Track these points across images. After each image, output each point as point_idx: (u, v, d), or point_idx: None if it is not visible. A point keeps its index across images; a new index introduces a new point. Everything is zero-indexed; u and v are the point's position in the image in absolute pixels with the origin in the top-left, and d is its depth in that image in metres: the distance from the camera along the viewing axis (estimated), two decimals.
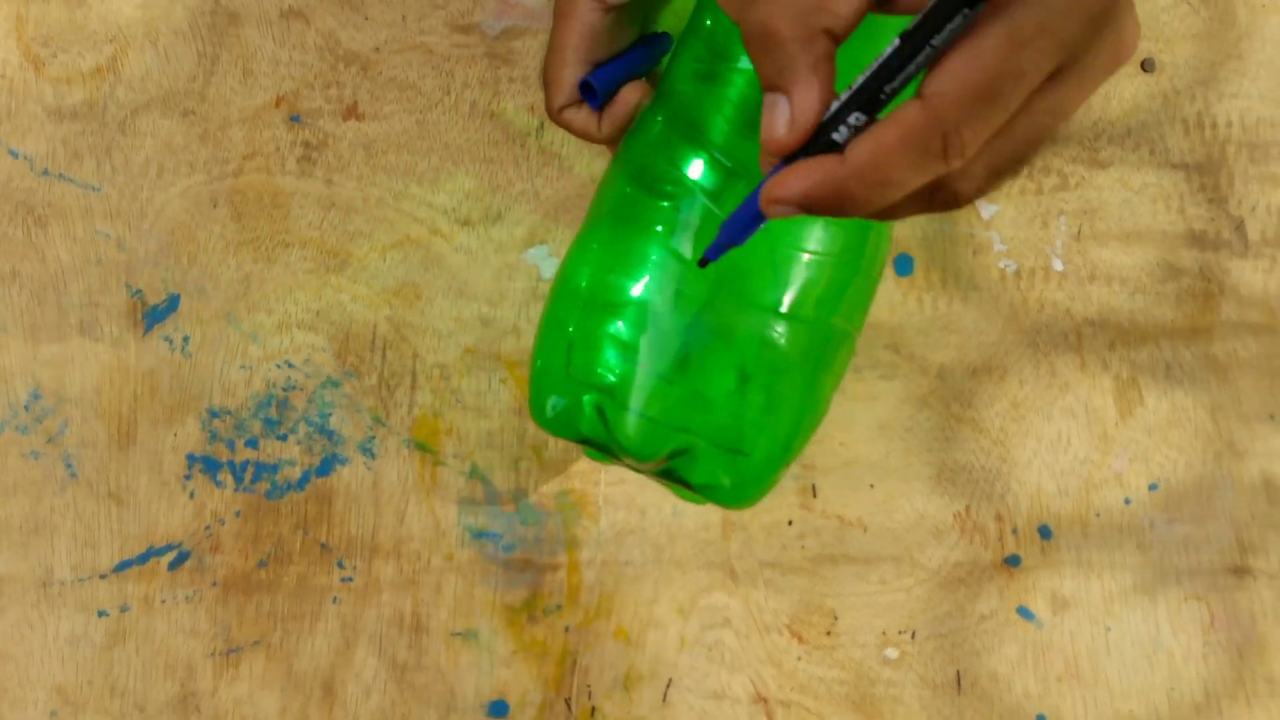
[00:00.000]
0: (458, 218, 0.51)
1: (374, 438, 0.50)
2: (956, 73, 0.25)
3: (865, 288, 0.44)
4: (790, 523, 0.51)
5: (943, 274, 0.51)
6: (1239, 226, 0.53)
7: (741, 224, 0.29)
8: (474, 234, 0.51)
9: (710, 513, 0.51)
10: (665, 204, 0.41)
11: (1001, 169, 0.28)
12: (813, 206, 0.27)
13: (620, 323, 0.40)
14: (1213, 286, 0.52)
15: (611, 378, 0.40)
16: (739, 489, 0.43)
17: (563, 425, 0.42)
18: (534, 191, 0.51)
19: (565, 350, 0.41)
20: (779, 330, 0.41)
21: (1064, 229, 0.53)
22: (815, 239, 0.43)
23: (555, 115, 0.45)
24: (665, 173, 0.41)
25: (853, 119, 0.27)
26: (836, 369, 0.44)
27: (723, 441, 0.41)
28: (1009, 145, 0.27)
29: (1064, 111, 0.27)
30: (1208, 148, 0.53)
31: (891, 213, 0.29)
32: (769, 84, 0.27)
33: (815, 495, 0.51)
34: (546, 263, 0.51)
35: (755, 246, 0.40)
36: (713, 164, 0.40)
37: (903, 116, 0.26)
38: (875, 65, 0.26)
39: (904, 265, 0.51)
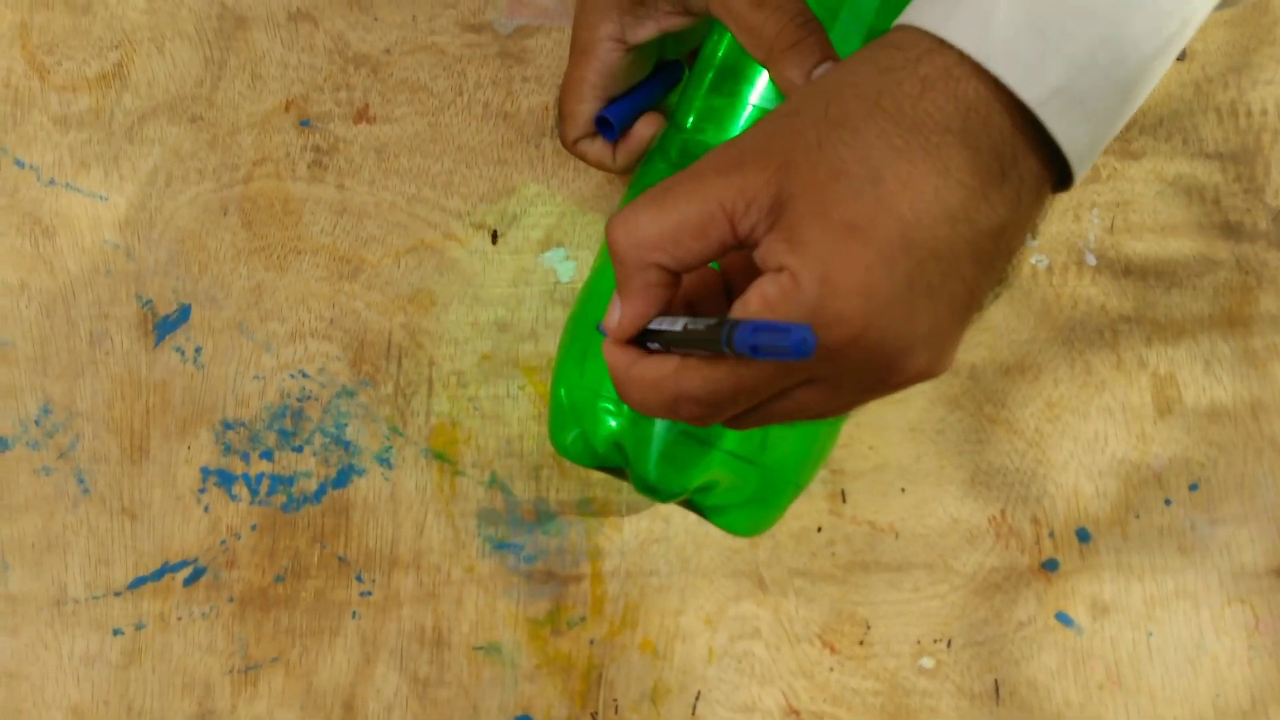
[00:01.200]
0: (472, 222, 0.51)
1: (391, 448, 0.50)
2: (701, 373, 0.29)
3: None
4: (820, 529, 0.50)
5: None
6: (1276, 217, 0.51)
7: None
8: (489, 238, 0.51)
9: None
10: None
11: (756, 425, 0.31)
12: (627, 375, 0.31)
13: None
14: (1250, 279, 0.51)
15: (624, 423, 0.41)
16: (753, 511, 0.43)
17: (581, 453, 0.43)
18: (550, 194, 0.51)
19: (582, 370, 0.42)
20: None
21: (1096, 222, 0.52)
22: None
23: (570, 146, 0.46)
24: None
25: (656, 345, 0.30)
26: None
27: (743, 452, 0.42)
28: (756, 418, 0.31)
29: (815, 411, 0.30)
30: (1242, 136, 0.52)
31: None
32: (617, 285, 0.30)
33: (845, 501, 0.50)
34: (564, 265, 0.51)
35: None
36: None
37: (658, 373, 0.30)
38: (678, 328, 0.29)
39: None
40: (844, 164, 0.28)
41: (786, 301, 0.28)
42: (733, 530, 0.44)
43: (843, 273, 0.27)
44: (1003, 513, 0.50)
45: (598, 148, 0.46)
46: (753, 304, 0.28)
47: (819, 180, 0.28)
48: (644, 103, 0.46)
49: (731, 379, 0.29)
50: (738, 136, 0.31)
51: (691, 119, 0.44)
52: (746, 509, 0.43)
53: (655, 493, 0.42)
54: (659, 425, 0.41)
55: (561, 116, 0.46)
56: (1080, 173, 0.30)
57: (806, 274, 0.27)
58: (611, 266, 0.43)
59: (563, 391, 0.43)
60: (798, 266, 0.28)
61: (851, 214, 0.27)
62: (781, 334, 0.25)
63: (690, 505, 0.44)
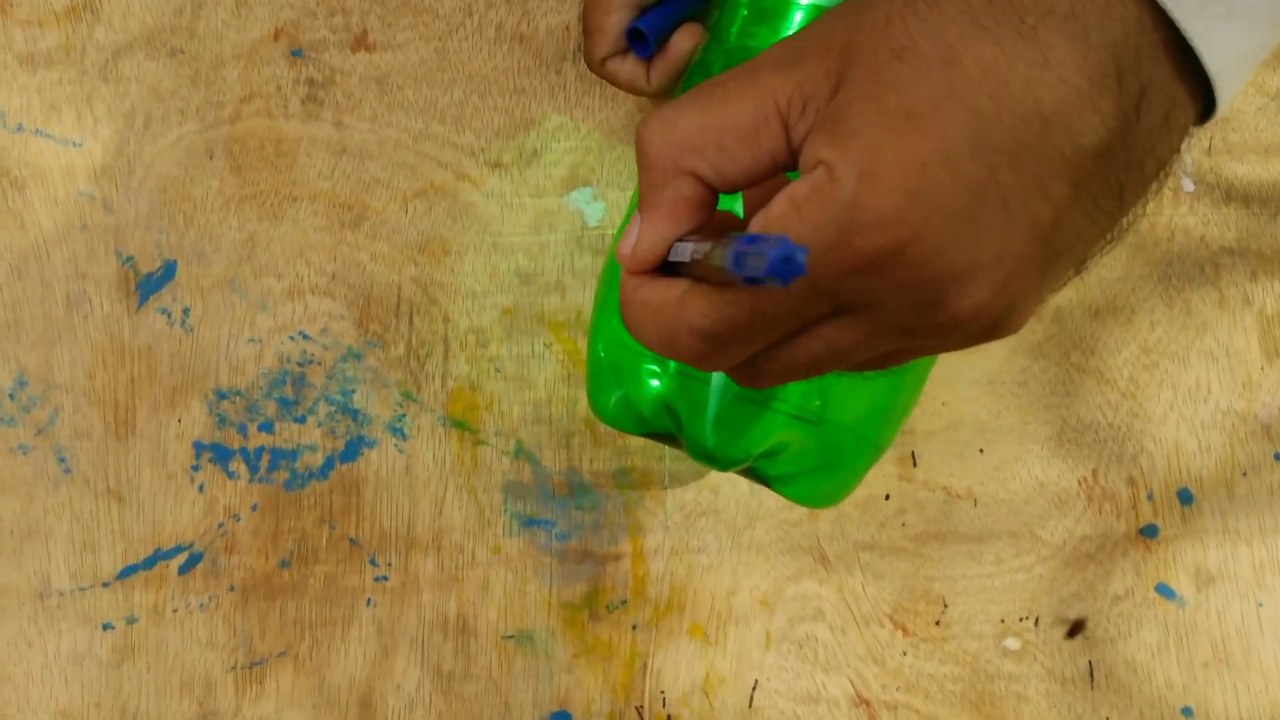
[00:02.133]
0: (487, 159, 0.49)
1: (404, 416, 0.48)
2: (708, 299, 0.26)
3: None
4: (888, 497, 0.48)
5: None
6: None
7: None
8: (507, 177, 0.49)
9: None
10: None
11: (775, 378, 0.28)
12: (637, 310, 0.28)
13: None
14: None
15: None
16: (824, 478, 0.41)
17: (625, 418, 0.41)
18: (574, 125, 0.49)
19: (622, 325, 0.39)
20: None
21: (1193, 143, 0.49)
22: None
23: (597, 67, 0.44)
24: None
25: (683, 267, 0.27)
26: None
27: (804, 414, 0.39)
28: (778, 365, 0.27)
29: (849, 356, 0.27)
30: None
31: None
32: (639, 199, 0.27)
33: (915, 464, 0.48)
34: (592, 207, 0.49)
35: None
36: None
37: (662, 297, 0.27)
38: (702, 253, 0.26)
39: None
40: (912, 40, 0.24)
41: (816, 200, 0.24)
42: (803, 501, 0.41)
43: (891, 167, 0.23)
44: (1094, 473, 0.48)
45: (629, 67, 0.44)
46: (775, 209, 0.24)
47: (879, 60, 0.24)
48: (682, 11, 0.43)
49: (741, 308, 0.25)
50: (801, 29, 0.27)
51: (736, 27, 0.41)
52: (817, 475, 0.40)
53: (714, 460, 0.39)
54: (714, 384, 0.39)
55: (587, 32, 0.44)
56: (1226, 95, 0.25)
57: (845, 166, 0.23)
58: None
59: (601, 349, 0.41)
60: (835, 158, 0.24)
61: (912, 99, 0.23)
62: (763, 245, 0.21)
63: (753, 474, 0.41)
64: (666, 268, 0.28)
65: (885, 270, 0.24)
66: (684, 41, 0.43)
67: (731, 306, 0.25)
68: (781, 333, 0.26)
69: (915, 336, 0.26)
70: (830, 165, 0.24)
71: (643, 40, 0.43)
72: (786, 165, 0.26)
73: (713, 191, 0.27)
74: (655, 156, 0.26)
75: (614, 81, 0.44)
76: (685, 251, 0.26)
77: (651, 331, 0.27)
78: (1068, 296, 0.48)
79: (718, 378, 0.39)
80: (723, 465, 0.39)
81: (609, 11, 0.42)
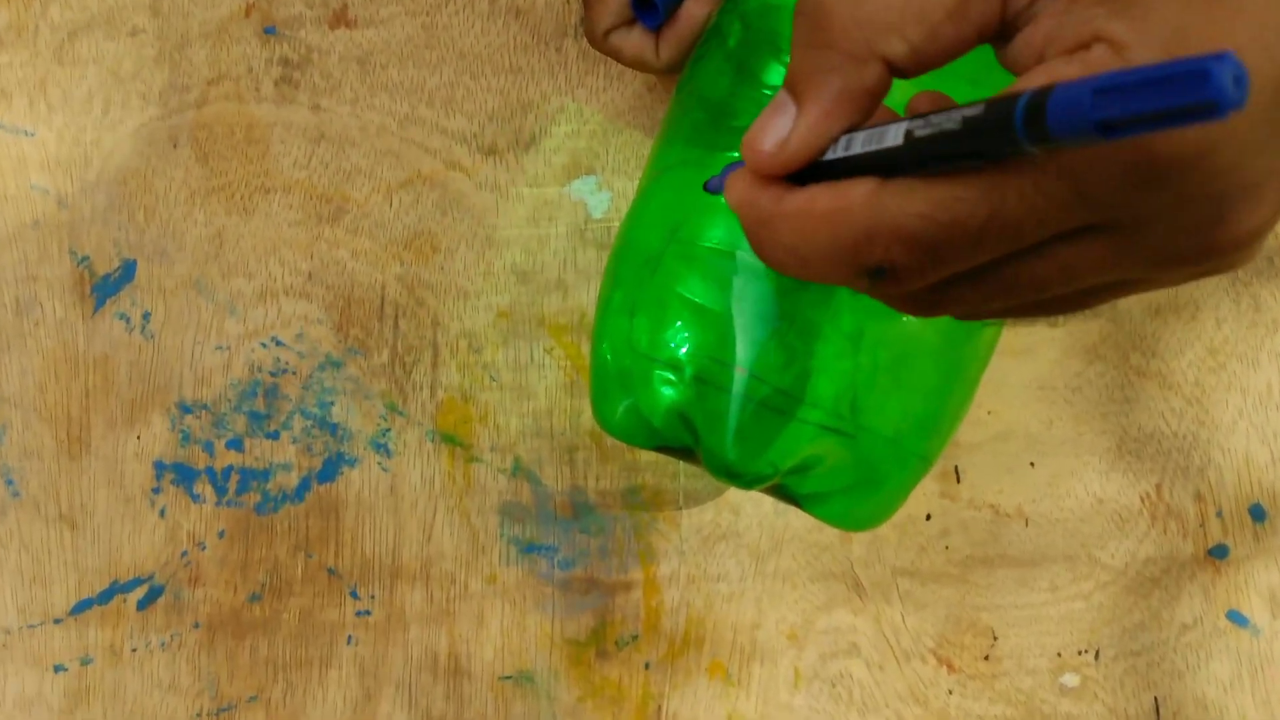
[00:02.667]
0: (480, 146, 0.47)
1: (389, 430, 0.46)
2: (924, 195, 0.22)
3: None
4: (929, 517, 0.45)
5: None
6: None
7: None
8: (502, 165, 0.47)
9: None
10: None
11: (966, 308, 0.25)
12: (740, 221, 0.25)
13: (705, 285, 0.37)
14: None
15: (695, 360, 0.37)
16: (862, 497, 0.38)
17: (635, 430, 0.38)
18: (576, 107, 0.46)
19: (631, 326, 0.38)
20: None
21: None
22: None
23: (600, 41, 0.42)
24: (751, 98, 0.38)
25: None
26: (984, 345, 0.39)
27: (836, 424, 0.37)
28: (994, 289, 0.24)
29: (1087, 280, 0.23)
30: None
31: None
32: (790, 81, 0.24)
33: (959, 480, 0.45)
34: (596, 198, 0.47)
35: None
36: None
37: (839, 201, 0.23)
38: (888, 141, 0.23)
39: None
40: None
41: None
42: (839, 523, 0.38)
43: (1202, 49, 0.20)
44: (1158, 488, 0.45)
45: (635, 39, 0.41)
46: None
47: None
48: None
49: (976, 206, 0.21)
50: None
51: None
52: (854, 493, 0.37)
53: (736, 477, 0.36)
54: (735, 390, 0.36)
55: (587, 3, 0.41)
56: None
57: (1141, 47, 0.21)
58: (703, 129, 0.38)
59: (607, 353, 0.38)
60: (1128, 35, 0.21)
61: None
62: (1190, 72, 0.17)
63: (780, 493, 0.38)
64: (804, 176, 0.24)
65: (1173, 181, 0.21)
66: (697, 8, 0.40)
67: (961, 204, 0.21)
68: (1012, 246, 0.22)
69: (1165, 265, 0.23)
70: (1119, 44, 0.21)
71: (651, 8, 0.40)
72: (991, 36, 0.23)
73: (888, 80, 0.23)
74: (840, 34, 0.23)
75: (618, 57, 0.42)
76: (857, 141, 0.23)
77: (825, 244, 0.23)
78: None
79: (739, 382, 0.36)
80: (746, 483, 0.36)
81: None
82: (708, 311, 0.36)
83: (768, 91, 0.38)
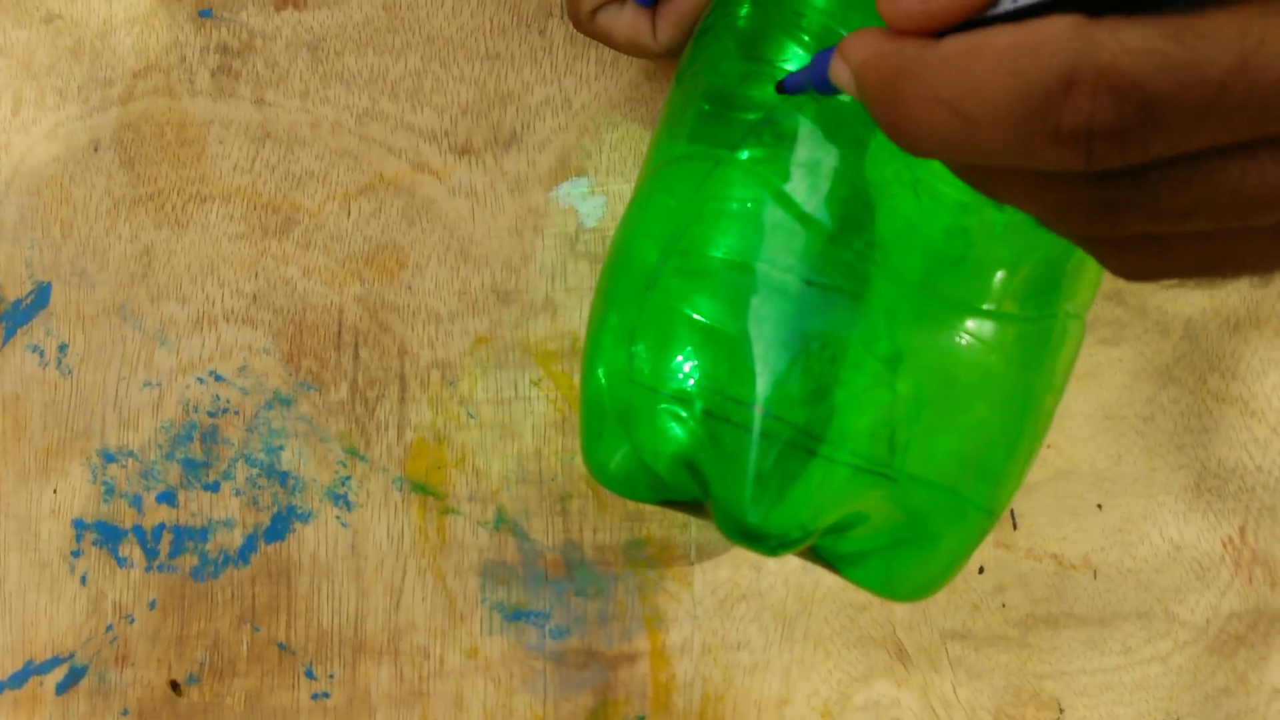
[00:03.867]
0: (452, 144, 0.42)
1: (349, 479, 0.41)
2: (1159, 27, 0.18)
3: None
4: (981, 570, 0.40)
5: None
6: None
7: (821, 73, 0.26)
8: (479, 167, 0.42)
9: None
10: (765, 131, 0.35)
11: (1152, 254, 0.20)
12: (862, 93, 0.22)
13: (715, 303, 0.33)
14: None
15: (705, 394, 0.32)
16: (911, 557, 0.33)
17: (635, 479, 0.34)
18: (563, 99, 0.42)
19: (628, 353, 0.34)
20: (974, 334, 0.33)
21: None
22: None
23: (586, 22, 0.38)
24: (764, 86, 0.35)
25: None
26: (1060, 370, 0.35)
27: (875, 468, 0.32)
28: (1185, 208, 0.19)
29: (1266, 202, 0.19)
30: None
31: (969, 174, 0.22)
32: None
33: (1016, 526, 0.41)
34: (587, 203, 0.43)
35: (935, 200, 0.33)
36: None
37: (1041, 31, 0.19)
38: None
39: None
40: None
41: None
42: (884, 590, 0.33)
43: None
44: (1241, 532, 0.41)
45: (628, 19, 0.38)
46: None
47: None
48: None
49: (1233, 44, 0.17)
50: None
51: None
52: (902, 555, 0.32)
53: (757, 540, 0.31)
54: (753, 432, 0.31)
55: None
56: None
57: None
58: (709, 121, 0.35)
59: (602, 382, 0.34)
60: None
61: None
62: None
63: (815, 556, 0.33)
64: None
65: None
66: None
67: (1202, 43, 0.17)
68: (1253, 128, 0.18)
69: None
70: None
71: None
72: None
73: None
74: None
75: (609, 40, 0.38)
76: None
77: (1005, 92, 0.19)
78: (1200, 306, 0.41)
79: (758, 422, 0.31)
80: (770, 547, 0.32)
81: None
82: (719, 335, 0.32)
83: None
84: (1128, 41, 0.18)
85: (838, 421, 0.31)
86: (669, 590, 0.40)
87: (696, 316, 0.32)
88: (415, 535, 0.40)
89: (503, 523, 0.40)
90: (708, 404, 0.31)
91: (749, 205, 0.34)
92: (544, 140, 0.41)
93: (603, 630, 0.40)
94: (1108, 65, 0.18)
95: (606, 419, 0.33)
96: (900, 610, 0.39)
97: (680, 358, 0.32)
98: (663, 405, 0.32)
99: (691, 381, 0.32)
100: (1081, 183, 0.19)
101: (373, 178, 0.41)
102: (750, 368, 0.31)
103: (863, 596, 0.39)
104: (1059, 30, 0.18)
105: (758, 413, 0.31)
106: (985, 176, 0.22)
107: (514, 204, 0.41)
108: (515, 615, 0.40)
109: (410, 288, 0.41)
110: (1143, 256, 0.20)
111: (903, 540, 0.32)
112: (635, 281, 0.34)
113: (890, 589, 0.32)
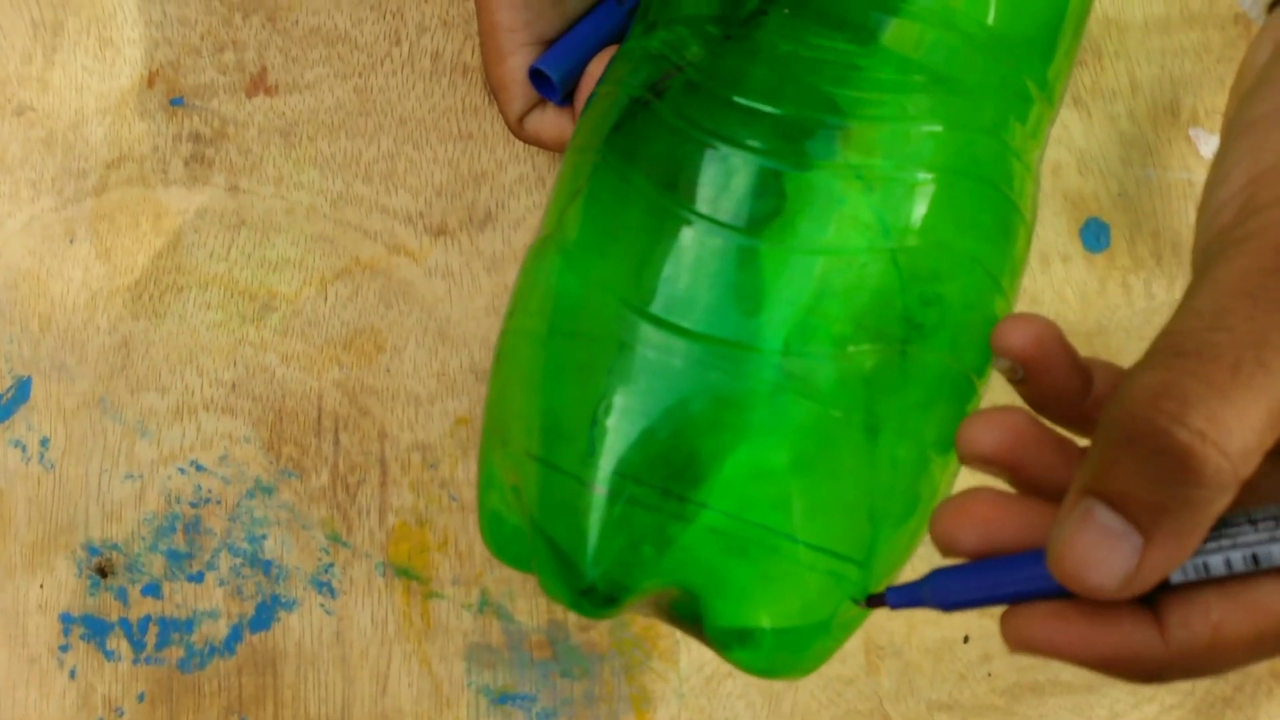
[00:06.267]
0: (428, 225, 0.41)
1: (332, 566, 0.40)
2: None
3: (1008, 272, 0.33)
4: (966, 639, 0.39)
5: (1155, 243, 0.42)
6: None
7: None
8: (454, 247, 0.41)
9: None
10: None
11: None
12: (1107, 671, 0.23)
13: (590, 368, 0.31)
14: None
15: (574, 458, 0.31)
16: (781, 640, 0.31)
17: (515, 548, 0.33)
18: (536, 176, 0.41)
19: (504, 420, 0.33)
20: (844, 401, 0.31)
21: None
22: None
23: (518, 130, 0.38)
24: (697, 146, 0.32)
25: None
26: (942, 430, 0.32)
27: (726, 525, 0.30)
28: None
29: None
30: None
31: None
32: (1121, 501, 0.22)
33: None
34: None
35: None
36: (752, 115, 0.32)
37: (1271, 616, 0.22)
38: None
39: (1095, 236, 0.42)
40: None
41: None
42: (749, 667, 0.31)
43: None
44: None
45: (551, 119, 0.38)
46: None
47: None
48: (592, 37, 0.37)
49: None
50: None
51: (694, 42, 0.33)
52: (772, 629, 0.31)
53: (585, 596, 0.30)
54: (601, 471, 0.30)
55: (493, 89, 0.38)
56: None
57: None
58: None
59: (496, 452, 0.33)
60: None
61: None
62: None
63: (677, 617, 0.32)
64: None
65: None
66: (601, 69, 0.36)
67: None
68: None
69: None
70: None
71: (548, 84, 0.36)
72: None
73: None
74: (1215, 473, 0.21)
75: (539, 143, 0.38)
76: (1216, 560, 0.22)
77: (1245, 660, 0.23)
78: None
79: (606, 482, 0.30)
80: (594, 604, 0.30)
81: (504, 56, 0.36)
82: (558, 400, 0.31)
83: (723, 128, 0.31)
84: None
85: (704, 481, 0.30)
86: (655, 669, 0.39)
87: (535, 382, 0.32)
88: (400, 620, 0.39)
89: (487, 605, 0.39)
90: (537, 447, 0.31)
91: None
92: (519, 218, 0.40)
93: (590, 712, 0.39)
94: None
95: (492, 494, 0.33)
96: (887, 682, 0.38)
97: (530, 424, 0.32)
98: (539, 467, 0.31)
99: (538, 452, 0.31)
100: None
101: (349, 261, 0.40)
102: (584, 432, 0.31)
103: (848, 669, 0.38)
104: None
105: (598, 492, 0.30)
106: None
107: (490, 283, 0.40)
108: (502, 699, 0.39)
109: (389, 371, 0.40)
110: None
111: (771, 611, 0.30)
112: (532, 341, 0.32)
113: (753, 663, 0.31)
